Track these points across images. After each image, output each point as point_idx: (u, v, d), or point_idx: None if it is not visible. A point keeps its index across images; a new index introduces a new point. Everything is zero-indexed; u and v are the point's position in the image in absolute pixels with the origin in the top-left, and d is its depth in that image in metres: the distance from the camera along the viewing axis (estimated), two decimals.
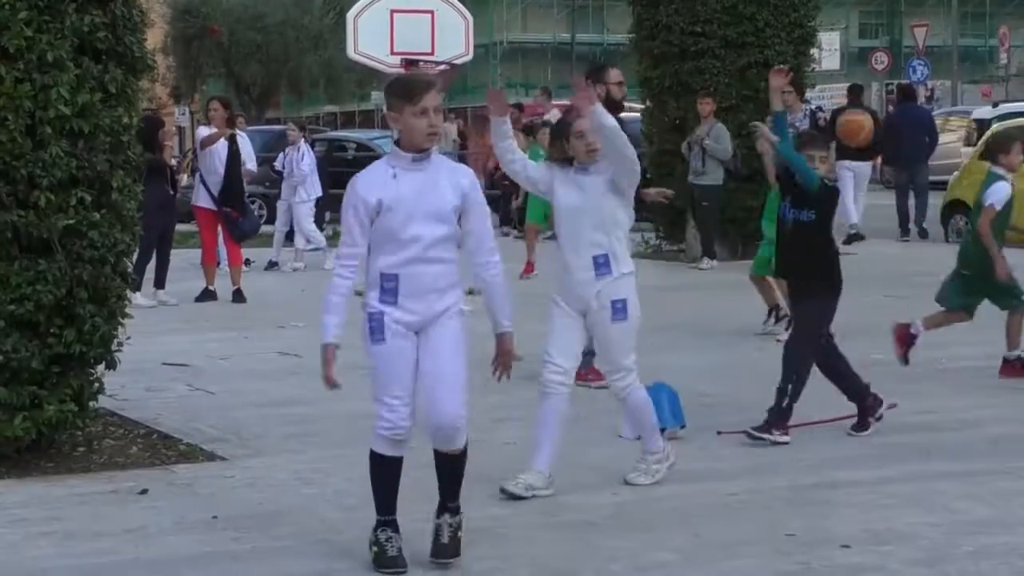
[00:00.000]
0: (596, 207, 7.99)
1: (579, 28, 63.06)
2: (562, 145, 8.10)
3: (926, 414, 10.10)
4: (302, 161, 21.44)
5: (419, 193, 6.67)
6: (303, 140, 22.07)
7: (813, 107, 21.65)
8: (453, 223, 6.80)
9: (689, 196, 19.74)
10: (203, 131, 17.90)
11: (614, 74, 12.15)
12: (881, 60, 52.02)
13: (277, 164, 21.99)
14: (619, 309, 7.98)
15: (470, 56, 18.89)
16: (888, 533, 7.37)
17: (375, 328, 6.70)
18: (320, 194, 21.82)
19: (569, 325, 8.05)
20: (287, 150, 21.70)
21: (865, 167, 24.41)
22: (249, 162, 18.29)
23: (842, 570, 6.78)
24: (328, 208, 22.59)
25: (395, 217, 6.63)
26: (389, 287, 6.67)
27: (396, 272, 6.66)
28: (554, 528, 7.53)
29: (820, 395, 9.58)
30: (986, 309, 11.47)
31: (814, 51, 23.76)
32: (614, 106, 11.72)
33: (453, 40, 18.12)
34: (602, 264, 7.95)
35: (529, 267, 18.58)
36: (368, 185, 6.73)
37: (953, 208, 22.14)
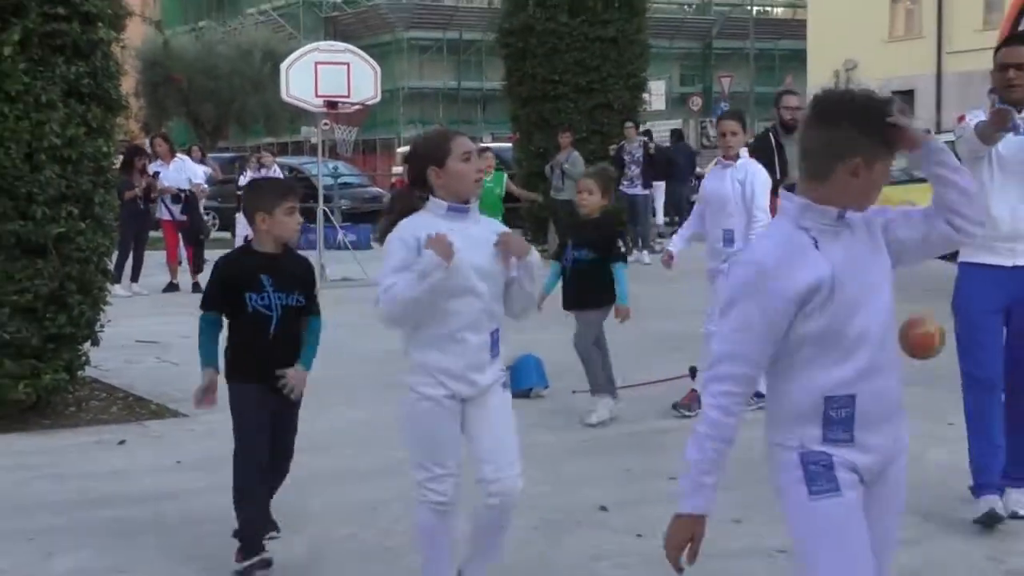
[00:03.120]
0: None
1: (464, 76, 63.04)
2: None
3: None
4: None
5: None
6: (276, 165, 22.14)
7: (644, 140, 21.88)
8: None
9: (551, 207, 19.83)
10: (152, 167, 17.78)
11: (786, 99, 11.43)
12: (696, 103, 52.44)
13: (242, 181, 21.92)
14: (506, 383, 4.92)
15: (378, 98, 18.75)
16: None
17: (819, 475, 3.35)
18: None
19: (455, 423, 4.79)
20: (262, 172, 21.53)
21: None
22: (195, 179, 18.29)
23: (669, 496, 6.82)
24: None
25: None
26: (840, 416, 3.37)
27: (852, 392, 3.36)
28: None
29: (649, 363, 9.63)
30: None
31: (645, 95, 23.99)
32: (784, 127, 11.22)
33: (365, 86, 18.00)
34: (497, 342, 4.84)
35: None
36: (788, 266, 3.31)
37: None
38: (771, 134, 11.41)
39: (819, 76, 45.90)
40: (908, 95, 43.05)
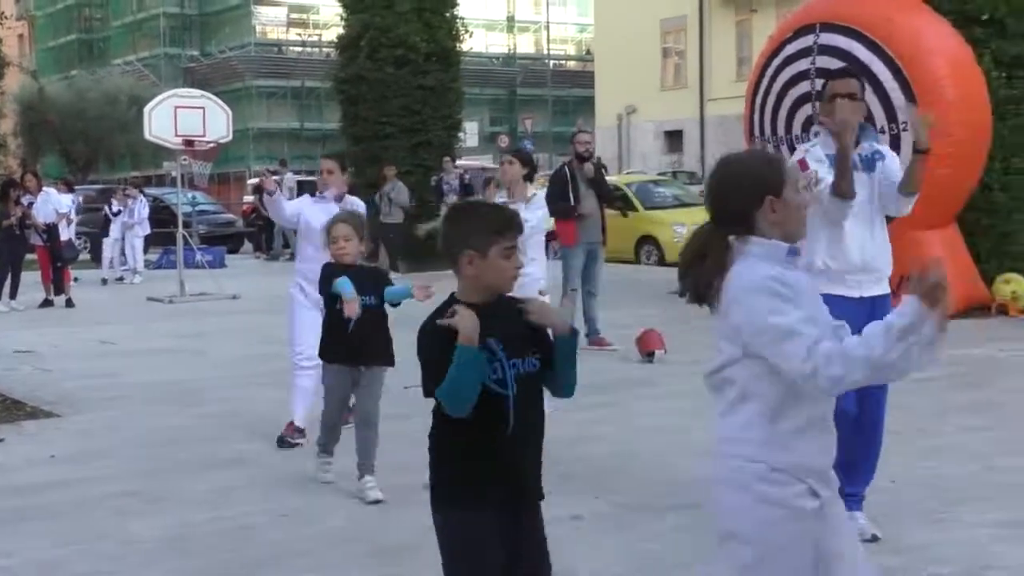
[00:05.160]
0: None
1: (305, 118, 62.27)
2: None
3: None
4: (143, 210, 21.31)
5: None
6: (141, 196, 21.75)
7: (461, 171, 21.97)
8: None
9: (380, 230, 19.76)
10: (25, 198, 17.02)
11: (580, 136, 11.77)
12: (504, 140, 52.63)
13: (114, 209, 21.35)
14: None
15: (230, 137, 18.42)
16: (590, 439, 7.40)
17: None
18: (148, 232, 21.61)
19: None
20: (128, 202, 21.23)
21: None
22: (61, 209, 17.76)
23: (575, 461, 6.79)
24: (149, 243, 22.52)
25: None
26: None
27: None
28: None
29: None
30: None
31: (461, 134, 24.09)
32: (579, 159, 11.48)
33: (218, 126, 17.66)
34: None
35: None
36: None
37: None
38: (566, 167, 11.55)
39: (605, 118, 46.85)
40: (678, 135, 44.18)
